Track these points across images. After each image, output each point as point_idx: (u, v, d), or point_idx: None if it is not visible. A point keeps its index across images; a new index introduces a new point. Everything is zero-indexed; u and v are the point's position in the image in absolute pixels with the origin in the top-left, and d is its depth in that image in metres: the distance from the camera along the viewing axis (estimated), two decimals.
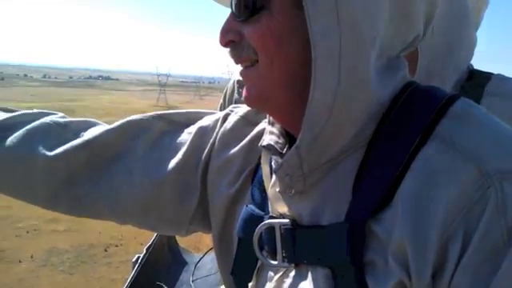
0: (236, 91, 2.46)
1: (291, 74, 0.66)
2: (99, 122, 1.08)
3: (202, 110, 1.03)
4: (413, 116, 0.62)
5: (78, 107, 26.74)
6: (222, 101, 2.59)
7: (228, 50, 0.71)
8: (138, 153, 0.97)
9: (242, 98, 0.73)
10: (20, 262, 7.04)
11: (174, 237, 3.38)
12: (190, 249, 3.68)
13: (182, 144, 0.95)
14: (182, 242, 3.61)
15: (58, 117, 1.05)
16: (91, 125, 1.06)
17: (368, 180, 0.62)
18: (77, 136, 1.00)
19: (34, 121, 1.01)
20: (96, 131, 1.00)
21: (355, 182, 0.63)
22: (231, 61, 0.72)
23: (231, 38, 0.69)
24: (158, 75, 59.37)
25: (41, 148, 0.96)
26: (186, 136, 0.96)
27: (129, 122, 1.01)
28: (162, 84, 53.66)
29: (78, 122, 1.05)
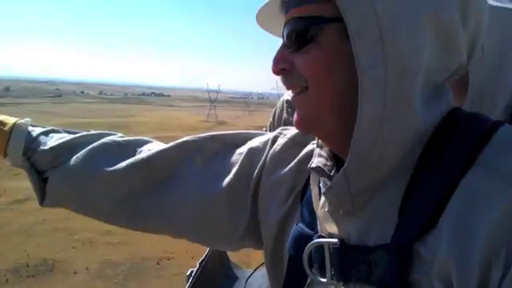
0: (285, 110, 2.50)
1: (338, 101, 0.70)
2: (156, 141, 1.15)
3: (252, 131, 1.10)
4: (457, 142, 0.64)
5: (133, 123, 27.52)
6: (271, 119, 2.64)
7: (280, 77, 0.76)
8: (193, 171, 1.04)
9: (291, 118, 0.75)
10: (76, 273, 7.27)
11: (226, 252, 3.48)
12: (240, 264, 3.69)
13: (233, 164, 1.01)
14: (233, 257, 3.62)
15: (117, 136, 1.15)
16: (149, 144, 1.13)
17: (414, 203, 0.64)
18: (136, 155, 1.08)
19: (96, 141, 1.10)
20: (154, 150, 1.07)
21: (401, 205, 0.66)
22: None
23: (283, 67, 0.74)
24: (208, 91, 60.33)
25: (102, 166, 1.05)
26: (237, 156, 1.02)
27: (185, 143, 1.08)
28: (212, 100, 54.51)
29: (137, 141, 1.14)
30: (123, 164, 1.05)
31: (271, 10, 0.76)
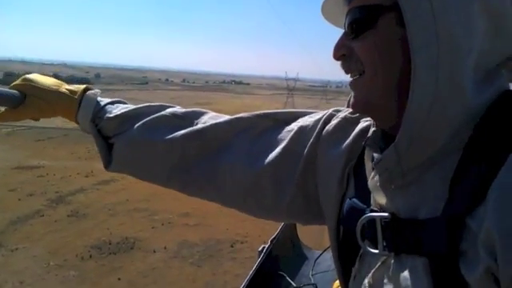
0: None
1: (392, 83, 0.74)
2: (213, 112, 1.23)
3: (303, 110, 1.14)
4: (506, 122, 0.66)
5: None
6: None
7: (340, 62, 0.83)
8: (243, 145, 1.10)
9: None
10: (154, 251, 7.58)
11: (296, 232, 3.59)
12: (312, 245, 3.69)
13: (281, 140, 1.06)
14: (305, 238, 3.64)
15: (176, 108, 1.22)
16: (205, 116, 1.21)
17: (464, 179, 0.66)
18: (192, 126, 1.15)
19: (157, 112, 1.19)
20: (209, 123, 1.15)
21: (452, 181, 0.67)
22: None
23: (343, 53, 0.80)
24: (287, 79, 60.55)
25: (160, 135, 1.14)
26: (286, 133, 1.07)
27: (238, 119, 1.15)
28: (290, 88, 54.90)
29: (194, 113, 1.21)
30: (179, 134, 1.13)
31: (335, 2, 0.83)
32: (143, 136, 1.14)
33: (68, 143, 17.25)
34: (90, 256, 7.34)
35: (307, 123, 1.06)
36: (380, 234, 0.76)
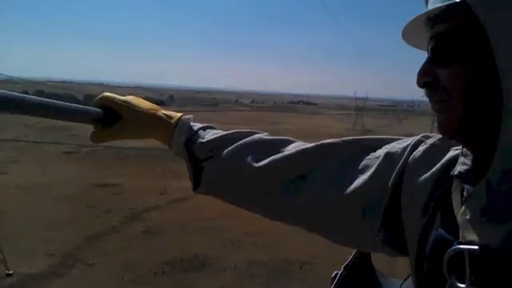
0: None
1: (481, 111, 0.71)
2: (297, 140, 1.25)
3: (390, 137, 1.11)
4: None
5: (280, 130, 28.42)
6: None
7: (424, 90, 0.80)
8: (329, 170, 1.09)
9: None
10: (224, 270, 7.69)
11: (370, 259, 3.46)
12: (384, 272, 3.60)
13: (368, 167, 1.04)
14: (377, 265, 3.56)
15: (263, 135, 1.25)
16: (291, 142, 1.22)
17: None
18: (278, 152, 1.16)
19: (246, 137, 1.21)
20: (294, 149, 1.15)
21: None
22: None
23: (427, 79, 0.77)
24: (356, 99, 59.84)
25: (248, 160, 1.15)
26: (374, 160, 1.04)
27: (324, 144, 1.14)
28: (359, 108, 54.12)
29: (280, 140, 1.22)
30: (266, 160, 1.14)
31: (416, 26, 0.80)
32: (232, 161, 1.17)
33: (143, 162, 17.99)
34: (163, 272, 7.57)
35: (395, 150, 1.04)
36: (468, 268, 0.72)
